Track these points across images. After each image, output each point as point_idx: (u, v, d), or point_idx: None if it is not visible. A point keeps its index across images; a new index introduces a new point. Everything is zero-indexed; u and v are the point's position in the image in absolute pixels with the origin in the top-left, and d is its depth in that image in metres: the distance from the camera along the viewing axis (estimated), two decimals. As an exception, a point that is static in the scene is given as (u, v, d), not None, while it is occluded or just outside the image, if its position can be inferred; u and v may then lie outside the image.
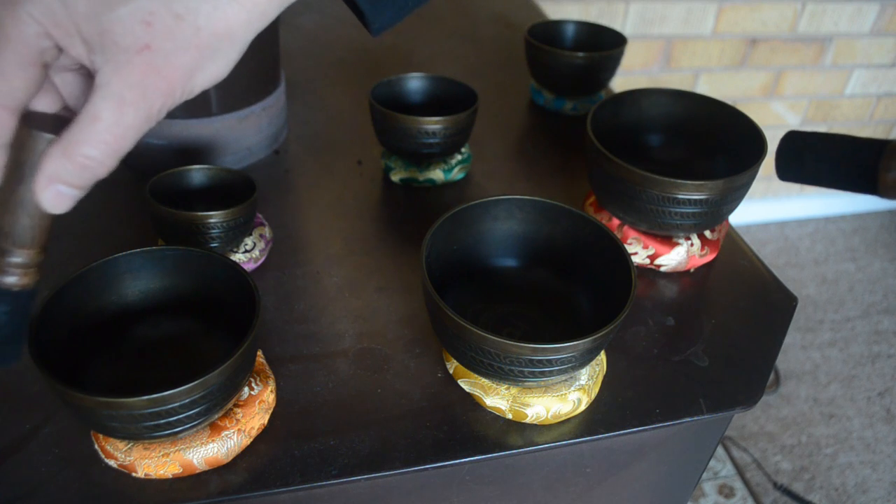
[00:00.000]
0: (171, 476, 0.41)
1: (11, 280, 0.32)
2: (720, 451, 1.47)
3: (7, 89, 0.30)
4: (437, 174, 0.67)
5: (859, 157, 0.36)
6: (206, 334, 0.46)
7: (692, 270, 0.60)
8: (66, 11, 0.28)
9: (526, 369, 0.41)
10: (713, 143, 0.63)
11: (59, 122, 0.31)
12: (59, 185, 0.30)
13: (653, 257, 0.58)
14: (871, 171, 0.36)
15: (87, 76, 0.33)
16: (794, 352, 1.71)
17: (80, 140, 0.29)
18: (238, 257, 0.55)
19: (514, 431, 0.45)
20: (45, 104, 0.33)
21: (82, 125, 0.29)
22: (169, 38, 0.29)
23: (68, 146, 0.30)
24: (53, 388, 0.35)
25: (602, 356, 0.49)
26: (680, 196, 0.52)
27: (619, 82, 1.66)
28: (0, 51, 0.29)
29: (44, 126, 0.31)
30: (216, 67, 0.31)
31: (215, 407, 0.39)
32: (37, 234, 0.32)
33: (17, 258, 0.32)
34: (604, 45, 0.81)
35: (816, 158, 0.39)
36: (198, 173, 0.56)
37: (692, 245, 0.58)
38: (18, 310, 0.33)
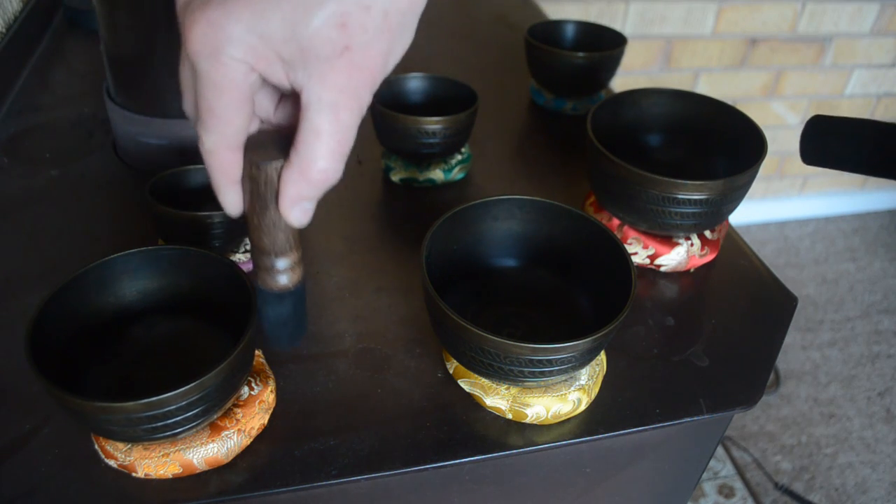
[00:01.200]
0: (171, 476, 0.41)
1: (286, 280, 0.36)
2: (720, 451, 1.47)
3: (231, 132, 0.31)
4: (437, 174, 0.67)
5: (886, 142, 0.36)
6: (204, 334, 0.46)
7: (692, 270, 0.60)
8: (264, 42, 0.28)
9: (526, 369, 0.41)
10: (713, 143, 0.63)
11: (264, 138, 0.34)
12: (302, 203, 0.32)
13: (653, 257, 0.58)
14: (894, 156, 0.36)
15: (273, 87, 0.33)
16: (794, 352, 1.71)
17: (312, 158, 0.30)
18: (238, 257, 0.55)
19: (514, 431, 0.45)
20: (251, 127, 0.34)
21: (309, 143, 0.30)
22: (363, 32, 0.29)
23: (304, 167, 0.31)
24: (50, 392, 0.35)
25: (602, 356, 0.49)
26: (680, 196, 0.52)
27: (619, 82, 1.66)
28: (216, 100, 0.30)
29: (263, 151, 0.33)
30: (404, 42, 0.32)
31: (213, 408, 0.39)
32: (293, 239, 0.35)
33: (284, 264, 0.36)
34: (604, 45, 0.81)
35: (841, 143, 0.39)
36: (198, 173, 0.56)
37: (692, 245, 0.58)
38: (299, 301, 0.38)
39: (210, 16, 0.28)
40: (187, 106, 0.32)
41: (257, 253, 0.36)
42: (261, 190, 0.33)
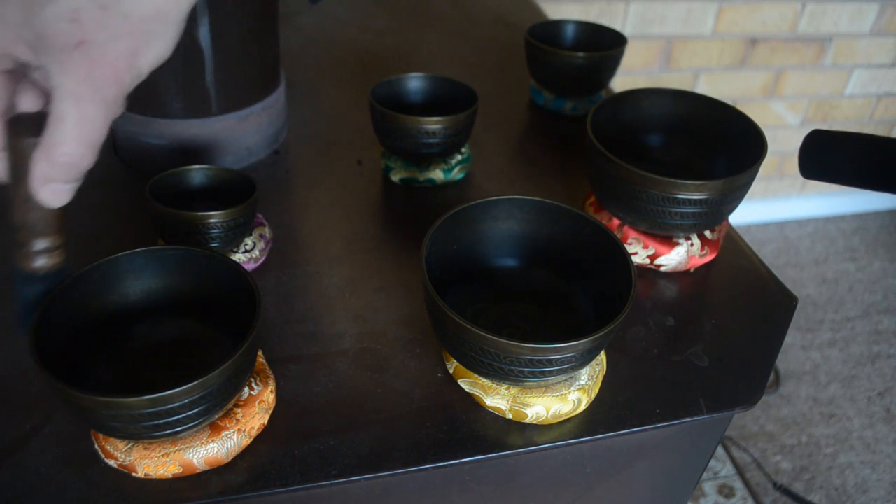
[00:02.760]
0: (171, 476, 0.41)
1: (40, 263, 0.37)
2: (720, 451, 1.47)
3: None
4: (437, 174, 0.67)
5: (885, 157, 0.37)
6: (206, 334, 0.46)
7: (692, 270, 0.60)
8: (3, 25, 0.30)
9: (526, 369, 0.41)
10: (713, 143, 0.63)
11: (42, 118, 0.34)
12: (51, 184, 0.33)
13: (653, 257, 0.58)
14: (893, 171, 0.36)
15: None
16: (794, 352, 1.71)
17: (55, 142, 0.32)
18: (238, 257, 0.55)
19: (514, 431, 0.45)
20: (29, 103, 0.35)
21: (52, 128, 0.32)
22: (100, 30, 0.30)
23: (48, 150, 0.32)
24: (53, 388, 0.35)
25: (602, 356, 0.49)
26: (680, 196, 0.52)
27: (619, 82, 1.66)
28: None
29: (33, 126, 0.34)
30: (157, 48, 0.33)
31: (215, 407, 0.39)
32: (49, 222, 0.36)
33: (38, 245, 0.36)
34: (604, 45, 0.81)
35: (841, 157, 0.39)
36: (198, 173, 0.56)
37: (692, 245, 0.58)
38: (48, 288, 0.38)
39: None
40: None
41: (13, 228, 0.36)
42: (16, 162, 0.34)
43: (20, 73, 0.35)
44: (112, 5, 0.30)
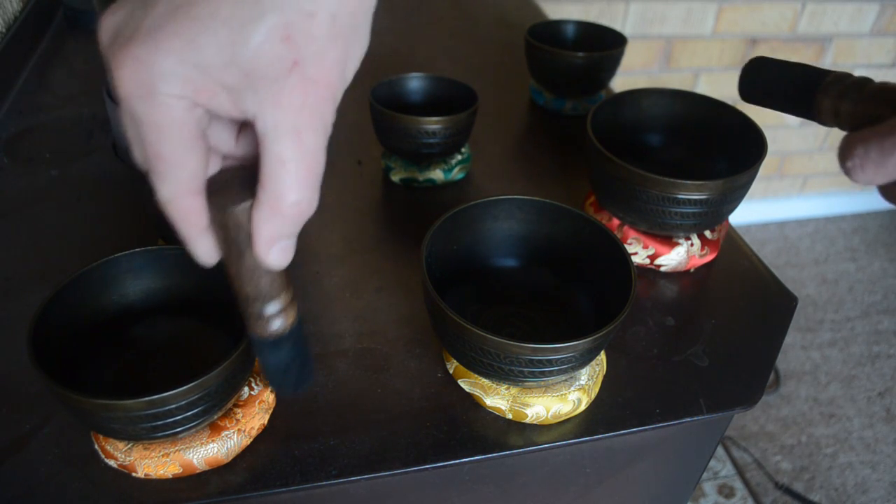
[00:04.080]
0: (171, 476, 0.41)
1: (279, 325, 0.33)
2: (720, 451, 1.47)
3: (186, 176, 0.28)
4: (437, 174, 0.67)
5: (804, 82, 0.39)
6: (206, 334, 0.46)
7: (692, 270, 0.60)
8: (201, 72, 0.25)
9: (526, 369, 0.41)
10: (713, 143, 0.63)
11: (228, 177, 0.30)
12: (279, 242, 0.29)
13: (653, 257, 0.58)
14: (810, 97, 0.39)
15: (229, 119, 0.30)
16: (794, 352, 1.71)
17: (281, 192, 0.27)
18: (238, 257, 0.55)
19: (514, 431, 0.45)
20: (211, 166, 0.31)
21: (275, 175, 0.27)
22: (312, 42, 0.26)
23: (274, 203, 0.28)
24: (52, 390, 0.35)
25: (602, 356, 0.49)
26: (680, 196, 0.52)
27: (619, 82, 1.66)
28: (162, 144, 0.27)
29: (227, 192, 0.30)
30: (360, 46, 0.29)
31: (214, 407, 0.39)
32: (279, 281, 0.32)
33: (273, 308, 0.33)
34: (604, 45, 0.81)
35: (773, 82, 0.42)
36: (198, 173, 0.56)
37: (692, 245, 0.58)
38: (298, 342, 0.35)
39: (136, 52, 0.24)
40: (137, 155, 0.29)
41: (243, 301, 0.33)
42: (232, 236, 0.30)
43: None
44: (319, 10, 0.25)
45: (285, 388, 0.37)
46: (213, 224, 0.30)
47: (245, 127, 0.31)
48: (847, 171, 0.36)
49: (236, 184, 0.30)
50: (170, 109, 0.25)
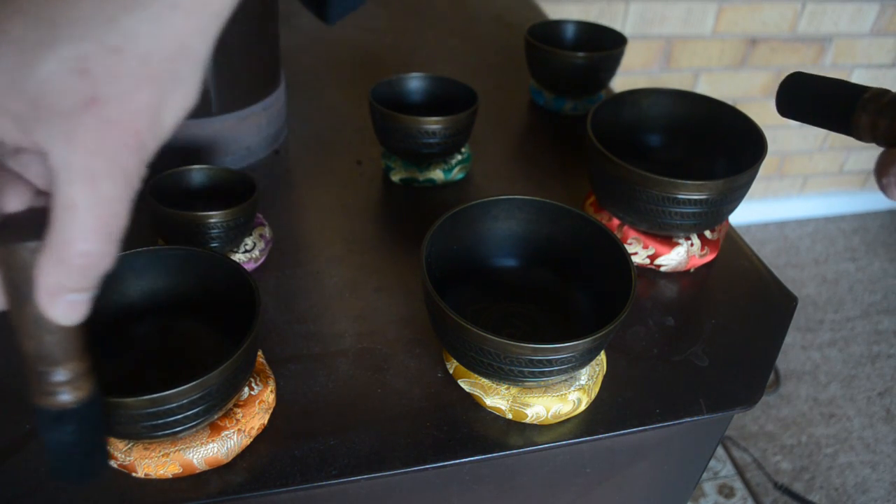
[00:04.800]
0: (171, 476, 0.41)
1: (65, 399, 0.29)
2: (720, 451, 1.46)
3: None
4: (437, 174, 0.67)
5: (841, 99, 0.40)
6: (206, 334, 0.46)
7: (692, 270, 0.60)
8: None
9: (526, 369, 0.41)
10: (713, 143, 0.63)
11: (31, 215, 0.27)
12: (65, 295, 0.26)
13: (653, 257, 0.58)
14: (848, 113, 0.39)
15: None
16: (794, 352, 1.71)
17: (67, 239, 0.24)
18: (238, 257, 0.55)
19: (514, 431, 0.45)
20: (14, 199, 0.28)
21: (63, 220, 0.24)
22: (114, 81, 0.23)
23: (60, 250, 0.25)
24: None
25: (602, 356, 0.49)
26: (680, 196, 0.52)
27: (619, 82, 1.66)
28: None
29: (26, 227, 0.26)
30: (183, 94, 0.26)
31: (215, 407, 0.39)
32: (67, 346, 0.28)
33: (59, 376, 0.29)
34: (604, 45, 0.81)
35: (808, 97, 0.43)
36: (198, 173, 0.56)
37: (692, 245, 0.58)
38: (86, 423, 0.31)
39: None
40: None
41: (25, 359, 0.28)
42: (16, 279, 0.26)
43: None
44: (127, 47, 0.23)
45: (64, 475, 0.31)
46: None
47: None
48: (883, 188, 0.37)
49: (34, 223, 0.26)
50: None
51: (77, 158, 0.23)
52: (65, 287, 0.25)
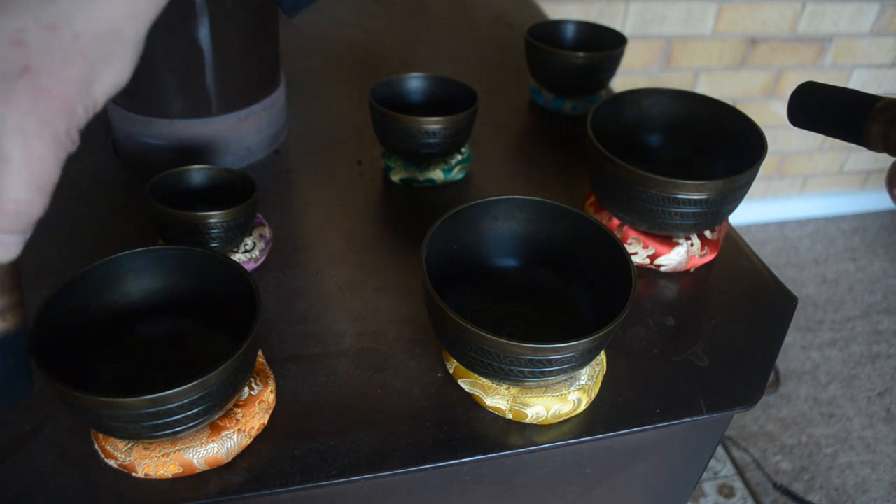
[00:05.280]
0: (171, 476, 0.41)
1: None
2: (720, 451, 1.47)
3: None
4: (437, 174, 0.67)
5: (853, 108, 0.40)
6: (206, 334, 0.46)
7: (692, 270, 0.60)
8: None
9: (526, 369, 0.41)
10: (713, 143, 0.63)
11: None
12: None
13: (653, 257, 0.58)
14: (860, 123, 0.39)
15: None
16: (794, 352, 1.71)
17: (1, 188, 0.28)
18: (238, 257, 0.55)
19: (514, 431, 0.45)
20: None
21: None
22: (47, 54, 0.27)
23: None
24: (53, 388, 0.35)
25: (602, 356, 0.49)
26: (680, 196, 0.52)
27: (619, 82, 1.66)
28: None
29: None
30: (114, 72, 0.29)
31: (215, 407, 0.39)
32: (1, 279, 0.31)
33: None
34: (604, 45, 0.81)
35: (819, 106, 0.43)
36: (198, 173, 0.56)
37: (692, 245, 0.58)
38: (11, 352, 0.33)
39: None
40: None
41: None
42: None
43: None
44: (60, 25, 0.26)
45: None
46: None
47: None
48: (894, 199, 0.37)
49: None
50: None
51: (11, 117, 0.27)
52: None
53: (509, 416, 0.45)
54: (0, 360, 0.32)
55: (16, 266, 0.32)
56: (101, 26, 0.27)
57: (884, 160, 2.12)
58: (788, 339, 1.73)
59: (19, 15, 0.26)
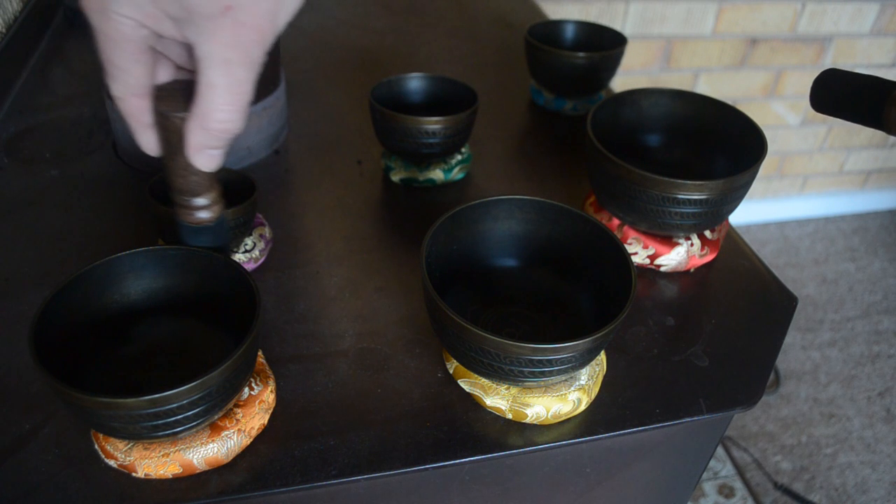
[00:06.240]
0: (171, 476, 0.41)
1: (205, 216, 0.41)
2: (720, 451, 1.47)
3: (132, 81, 0.34)
4: (437, 174, 0.67)
5: (873, 94, 0.41)
6: (206, 334, 0.46)
7: (692, 270, 0.60)
8: (149, 0, 0.30)
9: (526, 369, 0.41)
10: (713, 143, 0.63)
11: (178, 86, 0.36)
12: (206, 150, 0.35)
13: (653, 257, 0.58)
14: (880, 108, 0.40)
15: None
16: (794, 352, 1.71)
17: (208, 110, 0.33)
18: (238, 257, 0.55)
19: (514, 431, 0.45)
20: (162, 73, 0.37)
21: (205, 97, 0.33)
22: None
23: (202, 119, 0.33)
24: (53, 388, 0.35)
25: (602, 356, 0.49)
26: (680, 196, 0.52)
27: (619, 82, 1.66)
28: (112, 52, 0.32)
29: (178, 98, 0.36)
30: (293, 1, 0.33)
31: (215, 407, 0.39)
32: (206, 181, 0.39)
33: (199, 202, 0.40)
34: (604, 45, 0.81)
35: (840, 92, 0.44)
36: (198, 173, 0.56)
37: (692, 245, 0.58)
38: (217, 233, 0.43)
39: None
40: (101, 57, 0.34)
41: (174, 192, 0.40)
42: (170, 137, 0.36)
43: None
44: None
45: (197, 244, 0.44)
46: (156, 124, 0.36)
47: None
48: None
49: (181, 94, 0.36)
50: (119, 25, 0.31)
51: (216, 49, 0.31)
52: (205, 145, 0.35)
53: (509, 416, 0.45)
54: (208, 241, 0.43)
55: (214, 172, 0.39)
56: None
57: (884, 160, 2.12)
58: (788, 339, 1.73)
59: None
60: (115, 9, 0.30)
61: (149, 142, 0.37)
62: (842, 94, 0.44)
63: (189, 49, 0.35)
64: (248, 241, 0.56)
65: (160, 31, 0.32)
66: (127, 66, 0.33)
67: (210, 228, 0.42)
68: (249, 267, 0.56)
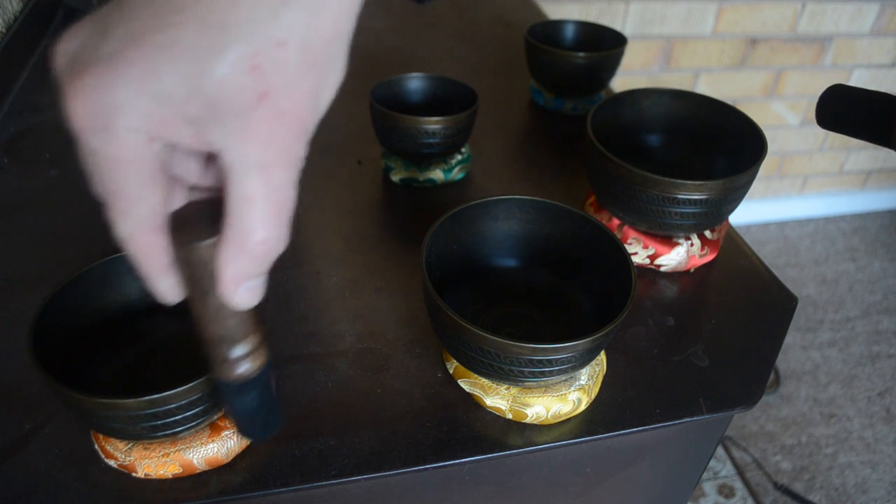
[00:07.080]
0: (171, 476, 0.41)
1: (246, 369, 0.32)
2: (720, 451, 1.47)
3: (146, 212, 0.27)
4: (437, 174, 0.67)
5: (881, 111, 0.40)
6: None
7: (692, 270, 0.60)
8: (162, 104, 0.23)
9: (526, 369, 0.41)
10: (713, 143, 0.63)
11: (195, 209, 0.29)
12: (246, 282, 0.27)
13: (653, 257, 0.58)
14: (888, 126, 0.40)
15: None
16: (794, 352, 1.71)
17: (248, 230, 0.26)
18: (238, 257, 0.55)
19: (514, 431, 0.45)
20: (177, 197, 0.29)
21: (239, 214, 0.25)
22: (282, 73, 0.24)
23: (240, 241, 0.26)
24: (53, 389, 0.35)
25: (602, 356, 0.49)
26: (680, 196, 0.52)
27: (619, 82, 1.66)
28: (119, 180, 0.25)
29: (192, 227, 0.28)
30: (336, 74, 0.27)
31: (215, 407, 0.39)
32: (245, 324, 0.31)
33: (240, 351, 0.31)
34: (604, 45, 0.81)
35: (847, 109, 0.43)
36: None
37: (692, 245, 0.58)
38: (265, 386, 0.34)
39: (92, 81, 0.23)
40: (94, 189, 0.27)
41: (207, 343, 0.31)
42: (197, 274, 0.28)
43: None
44: (290, 38, 0.24)
45: (253, 434, 0.36)
46: (176, 260, 0.28)
47: (213, 156, 0.28)
48: None
49: (203, 218, 0.28)
50: (127, 143, 0.24)
51: (251, 152, 0.24)
52: (246, 274, 0.27)
53: (509, 416, 0.45)
54: (257, 398, 0.33)
55: (254, 311, 0.31)
56: (326, 30, 0.25)
57: (884, 160, 2.12)
58: (788, 339, 1.73)
59: (251, 38, 0.23)
60: (122, 123, 0.23)
61: (167, 287, 0.29)
62: (848, 112, 0.43)
63: (206, 160, 0.29)
64: (248, 241, 0.56)
65: (176, 141, 0.25)
66: (138, 194, 0.26)
67: (255, 382, 0.33)
68: (249, 267, 0.56)
